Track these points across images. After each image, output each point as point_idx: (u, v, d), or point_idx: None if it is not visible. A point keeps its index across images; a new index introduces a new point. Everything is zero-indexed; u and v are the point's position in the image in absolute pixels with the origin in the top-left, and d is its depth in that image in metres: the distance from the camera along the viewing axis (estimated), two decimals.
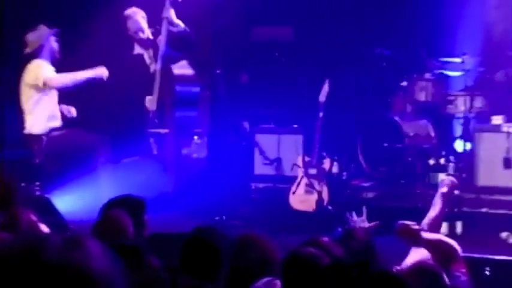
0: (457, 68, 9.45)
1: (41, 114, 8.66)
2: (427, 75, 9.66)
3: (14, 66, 8.94)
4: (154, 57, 9.07)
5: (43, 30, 8.74)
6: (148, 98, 9.09)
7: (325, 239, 4.44)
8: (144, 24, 9.10)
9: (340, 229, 5.14)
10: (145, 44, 9.17)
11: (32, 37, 8.72)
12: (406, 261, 5.02)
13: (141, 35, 9.13)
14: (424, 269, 4.32)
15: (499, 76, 9.33)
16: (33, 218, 4.95)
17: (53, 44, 8.76)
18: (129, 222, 4.77)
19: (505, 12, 9.67)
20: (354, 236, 4.80)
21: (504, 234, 8.21)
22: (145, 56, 9.21)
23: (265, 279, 4.22)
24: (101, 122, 10.09)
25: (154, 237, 5.66)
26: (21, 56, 8.64)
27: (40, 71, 8.65)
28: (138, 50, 9.26)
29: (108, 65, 9.03)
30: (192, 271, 4.29)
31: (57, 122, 8.74)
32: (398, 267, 4.56)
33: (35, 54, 8.69)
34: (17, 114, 8.84)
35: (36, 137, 8.67)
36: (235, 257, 4.34)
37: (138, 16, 9.13)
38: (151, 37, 9.07)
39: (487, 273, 6.66)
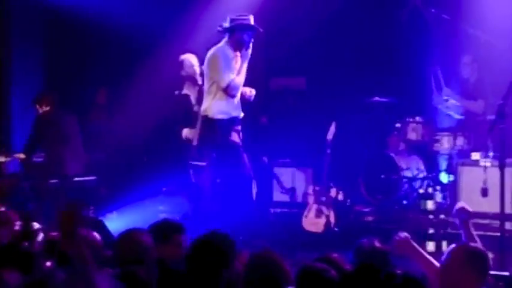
0: (443, 113, 9.49)
1: None
2: (418, 118, 9.69)
3: None
4: (197, 101, 9.09)
5: (244, 19, 8.28)
6: (186, 130, 9.08)
7: (335, 255, 4.47)
8: (197, 68, 9.10)
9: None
10: (194, 86, 9.21)
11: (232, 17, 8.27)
12: None
13: (193, 77, 9.12)
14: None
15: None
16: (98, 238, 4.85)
17: (245, 37, 8.25)
18: (147, 240, 4.65)
19: (475, 67, 9.68)
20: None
21: None
22: (192, 97, 9.25)
23: None
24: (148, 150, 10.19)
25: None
26: None
27: None
28: (185, 91, 9.30)
29: (161, 102, 9.13)
30: (197, 269, 4.20)
31: None
32: None
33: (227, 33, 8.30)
34: None
35: None
36: (251, 272, 4.28)
37: (193, 60, 9.17)
38: (200, 82, 9.12)
39: None
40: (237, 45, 8.21)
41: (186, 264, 4.25)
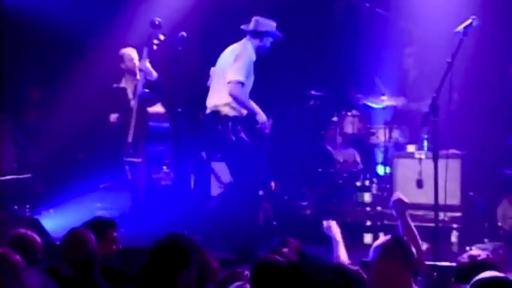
0: (379, 106, 9.61)
1: None
2: (354, 112, 9.81)
3: None
4: (134, 96, 9.09)
5: (272, 25, 8.11)
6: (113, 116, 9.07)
7: (285, 249, 4.52)
8: (136, 62, 9.09)
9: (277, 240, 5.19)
10: (132, 80, 9.16)
11: (258, 20, 8.09)
12: None
13: (132, 70, 9.11)
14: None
15: (415, 106, 9.49)
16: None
17: (268, 43, 8.07)
18: (92, 239, 4.69)
19: (416, 60, 9.86)
20: (287, 245, 4.86)
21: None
22: (129, 91, 9.22)
23: (236, 284, 4.27)
24: (84, 147, 10.11)
25: (125, 251, 5.72)
26: None
27: None
28: (123, 84, 9.26)
29: (97, 98, 9.08)
30: (159, 273, 4.24)
31: None
32: None
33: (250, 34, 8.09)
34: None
35: None
36: None
37: (133, 54, 9.13)
38: (138, 77, 9.08)
39: None
40: (260, 51, 8.03)
41: (143, 269, 4.27)
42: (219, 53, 10.60)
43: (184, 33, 8.67)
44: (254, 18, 8.07)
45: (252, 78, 7.95)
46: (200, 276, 4.18)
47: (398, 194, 5.41)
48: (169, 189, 9.23)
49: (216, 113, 7.94)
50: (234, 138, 7.87)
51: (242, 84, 7.77)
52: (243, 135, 7.98)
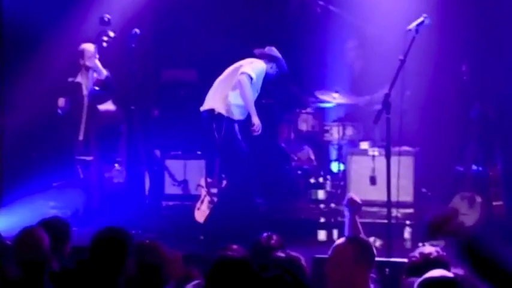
0: (332, 103, 9.66)
1: None
2: (308, 109, 9.84)
3: None
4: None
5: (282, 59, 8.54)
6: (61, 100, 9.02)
7: (235, 246, 4.54)
8: (96, 58, 8.92)
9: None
10: (88, 76, 9.03)
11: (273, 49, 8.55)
12: None
13: (90, 66, 8.96)
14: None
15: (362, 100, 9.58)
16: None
17: (274, 71, 8.51)
18: (45, 237, 4.65)
19: (360, 53, 9.93)
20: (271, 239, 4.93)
21: (371, 239, 8.43)
22: (83, 86, 9.10)
23: (194, 282, 4.27)
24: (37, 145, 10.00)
25: (77, 249, 5.67)
26: None
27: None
28: (78, 79, 9.14)
29: (50, 96, 8.99)
30: (100, 262, 4.27)
31: None
32: None
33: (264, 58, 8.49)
34: None
35: None
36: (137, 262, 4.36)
37: (92, 49, 8.95)
38: (95, 74, 8.98)
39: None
40: (267, 76, 8.42)
41: (87, 261, 4.28)
42: (173, 50, 10.61)
43: (137, 30, 8.62)
44: (268, 48, 8.48)
45: (257, 92, 8.33)
46: (153, 272, 4.19)
47: (352, 194, 5.45)
48: (123, 188, 9.18)
49: (211, 111, 8.21)
50: (227, 138, 8.13)
51: (251, 80, 8.12)
52: (238, 136, 8.18)
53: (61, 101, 9.01)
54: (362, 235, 5.10)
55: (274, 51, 8.42)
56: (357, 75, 9.90)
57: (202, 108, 8.31)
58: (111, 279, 4.24)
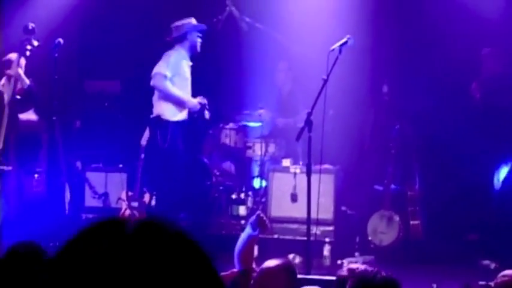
0: (256, 120, 9.73)
1: None
2: (231, 125, 9.88)
3: None
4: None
5: (189, 22, 8.54)
6: None
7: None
8: (19, 67, 8.72)
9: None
10: (10, 85, 8.85)
11: (177, 24, 8.52)
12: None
13: (14, 76, 8.77)
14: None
15: (281, 122, 9.68)
16: None
17: (195, 39, 8.54)
18: None
19: (289, 75, 10.05)
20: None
21: (291, 256, 8.52)
22: (5, 96, 8.91)
23: None
24: None
25: None
26: None
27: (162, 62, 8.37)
28: (0, 87, 8.95)
29: None
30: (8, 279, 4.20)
31: None
32: None
33: (177, 41, 8.50)
34: None
35: None
36: None
37: (15, 59, 8.75)
38: (19, 84, 8.79)
39: None
40: (193, 49, 8.58)
41: None
42: (97, 61, 10.54)
43: (61, 40, 8.53)
44: (172, 26, 8.55)
45: (187, 79, 8.52)
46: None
47: (261, 213, 5.44)
48: (42, 199, 9.05)
49: (157, 118, 8.47)
50: (166, 145, 8.27)
51: (165, 77, 8.30)
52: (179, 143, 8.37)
53: None
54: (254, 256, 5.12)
55: (179, 26, 8.58)
56: (285, 97, 10.00)
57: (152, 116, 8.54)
58: None
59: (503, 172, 9.07)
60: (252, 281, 4.40)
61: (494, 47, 9.39)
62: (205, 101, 8.63)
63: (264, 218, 5.27)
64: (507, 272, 4.13)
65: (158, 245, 1.23)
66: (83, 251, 1.23)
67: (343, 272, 4.58)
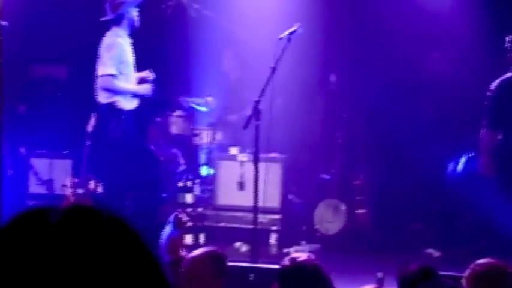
0: (203, 107, 9.69)
1: None
2: (178, 112, 9.82)
3: None
4: None
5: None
6: None
7: None
8: None
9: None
10: None
11: (111, 3, 8.00)
12: None
13: None
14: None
15: (234, 118, 9.64)
16: None
17: (133, 15, 8.07)
18: None
19: (236, 63, 10.02)
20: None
21: (237, 244, 8.52)
22: None
23: None
24: None
25: None
26: None
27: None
28: None
29: None
30: None
31: None
32: None
33: (115, 22, 8.03)
34: None
35: None
36: None
37: None
38: None
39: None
40: (132, 25, 8.12)
41: None
42: (43, 46, 10.37)
43: (5, 23, 8.35)
44: (105, 6, 8.11)
45: (130, 63, 8.16)
46: None
47: (181, 213, 5.50)
48: None
49: (111, 105, 8.05)
50: (120, 133, 8.02)
51: (112, 76, 7.94)
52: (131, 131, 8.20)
53: None
54: (182, 253, 5.17)
55: (114, 6, 8.09)
56: (232, 84, 9.96)
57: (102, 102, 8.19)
58: None
59: (461, 163, 9.16)
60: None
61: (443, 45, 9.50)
62: (151, 75, 8.40)
63: (183, 218, 5.31)
64: (481, 261, 4.15)
65: (84, 234, 1.14)
66: (2, 245, 1.13)
67: (286, 261, 4.59)
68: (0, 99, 8.54)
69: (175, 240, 5.13)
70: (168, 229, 5.29)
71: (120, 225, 1.19)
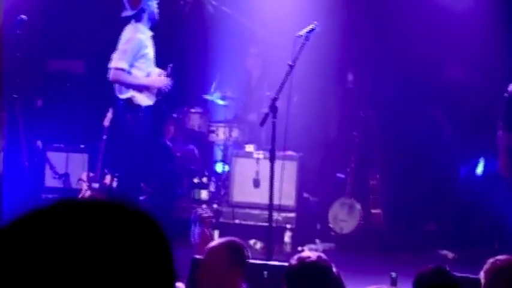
0: (220, 104, 9.71)
1: None
2: (195, 109, 9.85)
3: None
4: None
5: None
6: None
7: None
8: None
9: None
10: None
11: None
12: None
13: None
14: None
15: (252, 117, 9.65)
16: None
17: (153, 7, 7.98)
18: None
19: (259, 61, 10.03)
20: None
21: (252, 242, 8.53)
22: None
23: None
24: None
25: None
26: None
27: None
28: None
29: None
30: None
31: None
32: None
33: (135, 17, 7.94)
34: None
35: None
36: None
37: None
38: None
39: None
40: (153, 18, 8.03)
41: None
42: (61, 40, 10.42)
43: (24, 17, 8.42)
44: (124, 0, 8.02)
45: (150, 59, 8.03)
46: None
47: (202, 208, 5.52)
48: (1, 178, 8.95)
49: (129, 100, 7.95)
50: (137, 129, 7.97)
51: (122, 70, 7.82)
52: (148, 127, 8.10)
53: None
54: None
55: (132, 2, 8.00)
56: (254, 82, 9.98)
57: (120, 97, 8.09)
58: None
59: (480, 164, 9.16)
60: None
61: (460, 38, 9.46)
62: (169, 69, 8.33)
63: (203, 214, 5.31)
64: (500, 256, 4.18)
65: (107, 226, 1.16)
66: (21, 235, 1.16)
67: (294, 260, 4.60)
68: (18, 93, 8.61)
69: (206, 237, 5.15)
70: (195, 228, 5.31)
71: (142, 217, 1.20)
